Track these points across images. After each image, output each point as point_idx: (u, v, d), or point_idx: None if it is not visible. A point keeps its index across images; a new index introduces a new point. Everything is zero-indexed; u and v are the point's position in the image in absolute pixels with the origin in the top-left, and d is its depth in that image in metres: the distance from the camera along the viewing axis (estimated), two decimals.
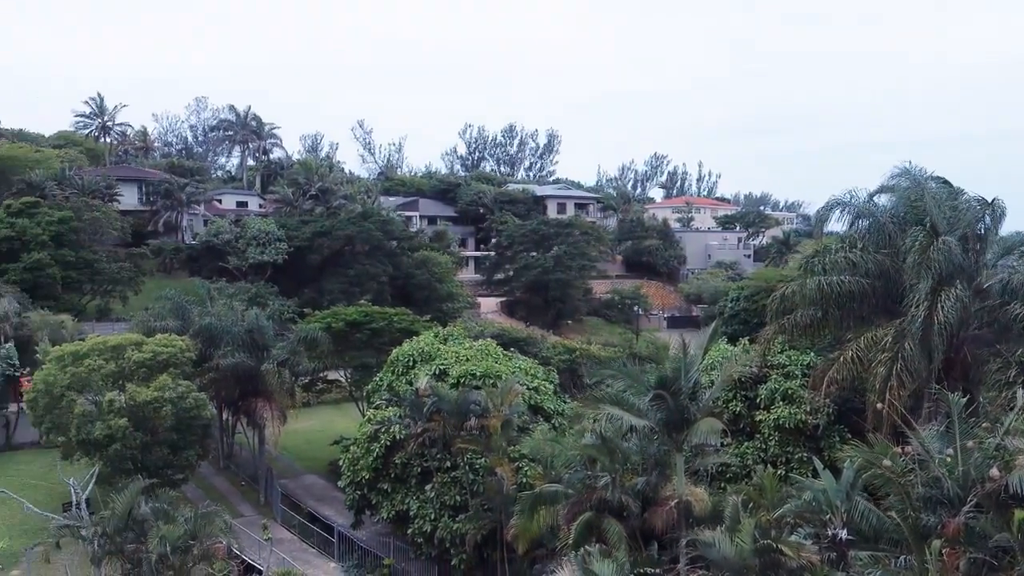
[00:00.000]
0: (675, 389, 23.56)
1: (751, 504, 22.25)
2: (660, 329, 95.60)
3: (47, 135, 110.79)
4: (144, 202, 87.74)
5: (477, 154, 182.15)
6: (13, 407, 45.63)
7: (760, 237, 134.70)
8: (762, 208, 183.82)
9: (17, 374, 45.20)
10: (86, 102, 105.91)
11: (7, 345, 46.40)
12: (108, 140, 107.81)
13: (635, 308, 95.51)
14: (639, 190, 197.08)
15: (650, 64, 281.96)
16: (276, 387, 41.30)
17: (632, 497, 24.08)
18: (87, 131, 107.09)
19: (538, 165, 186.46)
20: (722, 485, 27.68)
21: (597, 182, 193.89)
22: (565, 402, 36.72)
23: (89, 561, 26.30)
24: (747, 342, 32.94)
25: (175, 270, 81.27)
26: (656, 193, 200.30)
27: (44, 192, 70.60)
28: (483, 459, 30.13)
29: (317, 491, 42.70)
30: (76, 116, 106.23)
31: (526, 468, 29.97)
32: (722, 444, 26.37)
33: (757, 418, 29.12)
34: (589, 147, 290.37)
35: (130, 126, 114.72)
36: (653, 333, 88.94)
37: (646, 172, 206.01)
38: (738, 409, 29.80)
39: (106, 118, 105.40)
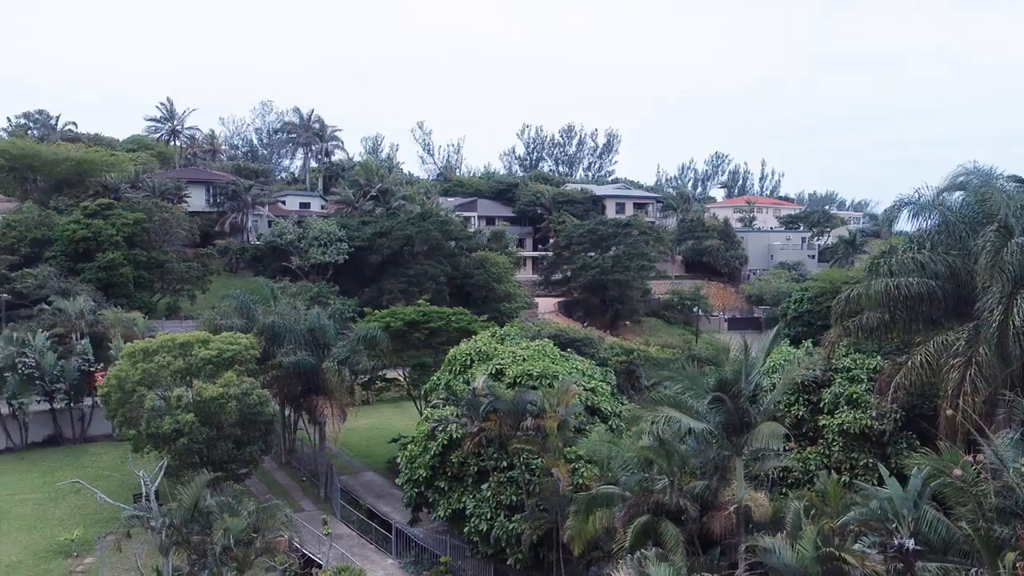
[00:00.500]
0: (735, 392, 23.19)
1: (813, 511, 21.71)
2: (720, 331, 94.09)
3: (121, 139, 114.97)
4: (211, 204, 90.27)
5: (535, 154, 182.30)
6: (88, 401, 47.41)
7: (825, 237, 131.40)
8: (827, 207, 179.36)
9: (92, 369, 47.03)
10: (157, 107, 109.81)
11: (83, 341, 48.30)
12: (178, 143, 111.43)
13: (695, 309, 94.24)
14: (699, 190, 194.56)
15: (711, 62, 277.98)
16: (336, 385, 42.03)
17: (690, 501, 23.77)
18: (158, 135, 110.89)
19: (597, 165, 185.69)
20: (783, 490, 27.11)
21: (656, 182, 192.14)
22: (622, 403, 36.41)
23: (158, 551, 27.13)
24: (810, 345, 32.19)
25: (240, 270, 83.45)
26: (717, 193, 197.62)
27: (118, 194, 73.32)
28: (539, 459, 30.10)
29: (376, 488, 43.27)
30: (148, 121, 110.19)
31: (582, 469, 29.86)
32: (784, 448, 25.82)
33: (820, 423, 28.42)
34: (648, 146, 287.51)
35: (198, 130, 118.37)
36: (713, 335, 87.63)
37: (706, 171, 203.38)
38: (800, 413, 29.13)
39: (176, 122, 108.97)
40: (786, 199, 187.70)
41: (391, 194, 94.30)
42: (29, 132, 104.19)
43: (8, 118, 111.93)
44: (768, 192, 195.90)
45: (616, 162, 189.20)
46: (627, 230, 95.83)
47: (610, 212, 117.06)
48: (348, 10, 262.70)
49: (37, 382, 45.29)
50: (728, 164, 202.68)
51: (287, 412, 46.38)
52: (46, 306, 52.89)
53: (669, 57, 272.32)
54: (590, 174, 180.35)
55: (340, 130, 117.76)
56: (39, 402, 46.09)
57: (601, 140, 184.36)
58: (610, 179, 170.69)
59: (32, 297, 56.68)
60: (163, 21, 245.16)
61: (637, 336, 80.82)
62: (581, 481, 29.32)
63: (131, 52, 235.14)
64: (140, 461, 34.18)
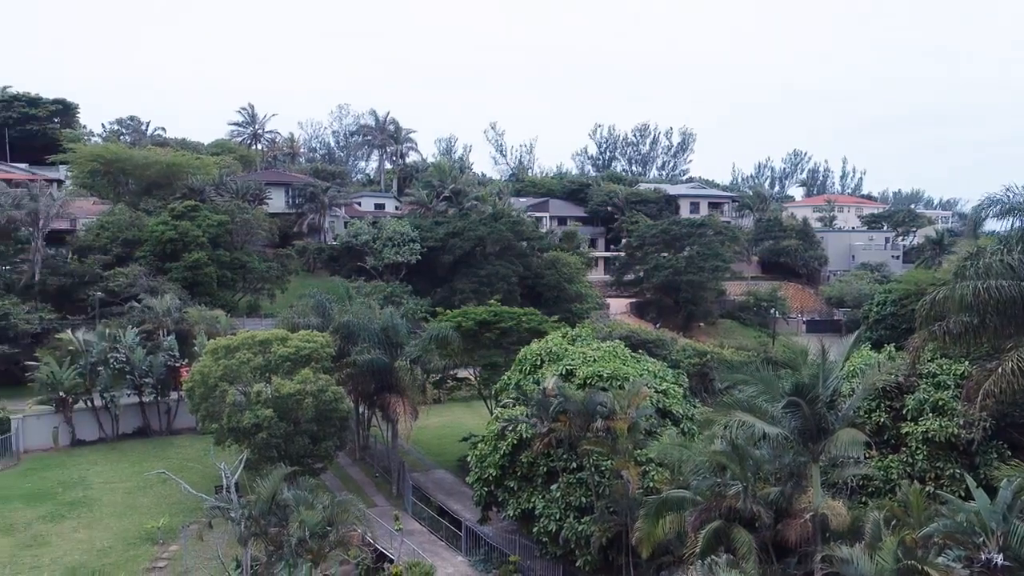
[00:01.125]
0: (812, 397, 22.55)
1: (894, 521, 20.95)
2: (798, 333, 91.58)
3: (206, 143, 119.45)
4: (290, 205, 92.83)
5: (608, 154, 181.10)
6: (174, 395, 49.37)
7: (911, 237, 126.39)
8: (913, 206, 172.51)
9: (178, 365, 48.96)
10: (239, 112, 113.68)
11: (169, 338, 50.33)
12: (259, 147, 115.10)
13: (771, 311, 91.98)
14: (777, 188, 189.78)
15: (790, 61, 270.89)
16: (408, 383, 42.68)
17: (764, 507, 23.23)
18: (240, 139, 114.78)
19: (671, 164, 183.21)
20: (863, 500, 26.24)
21: (732, 181, 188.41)
22: (695, 406, 35.83)
23: (237, 541, 28.04)
24: (893, 349, 31.01)
25: (317, 269, 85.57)
26: (796, 192, 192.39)
27: (203, 196, 76.19)
28: (609, 461, 29.90)
29: (446, 486, 43.74)
30: (231, 125, 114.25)
31: (653, 472, 29.53)
32: (864, 456, 24.97)
33: (903, 430, 27.34)
34: (724, 145, 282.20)
35: (278, 133, 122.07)
36: (790, 337, 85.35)
37: (784, 170, 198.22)
38: (882, 420, 28.10)
39: (257, 127, 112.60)
40: (869, 197, 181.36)
41: (464, 195, 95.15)
42: (122, 137, 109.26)
43: (103, 124, 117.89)
44: (849, 191, 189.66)
45: (691, 161, 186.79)
46: (701, 230, 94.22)
47: (684, 212, 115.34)
48: (424, 14, 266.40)
49: (127, 376, 47.43)
50: (807, 162, 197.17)
51: (361, 409, 47.30)
52: (136, 304, 55.36)
53: (747, 56, 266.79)
54: (664, 173, 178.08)
55: (414, 132, 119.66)
56: (129, 395, 48.26)
57: (676, 139, 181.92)
58: (684, 178, 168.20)
59: (123, 295, 59.40)
60: (248, 31, 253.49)
61: (711, 338, 79.35)
62: (651, 484, 29.01)
63: (216, 59, 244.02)
64: (221, 454, 35.37)
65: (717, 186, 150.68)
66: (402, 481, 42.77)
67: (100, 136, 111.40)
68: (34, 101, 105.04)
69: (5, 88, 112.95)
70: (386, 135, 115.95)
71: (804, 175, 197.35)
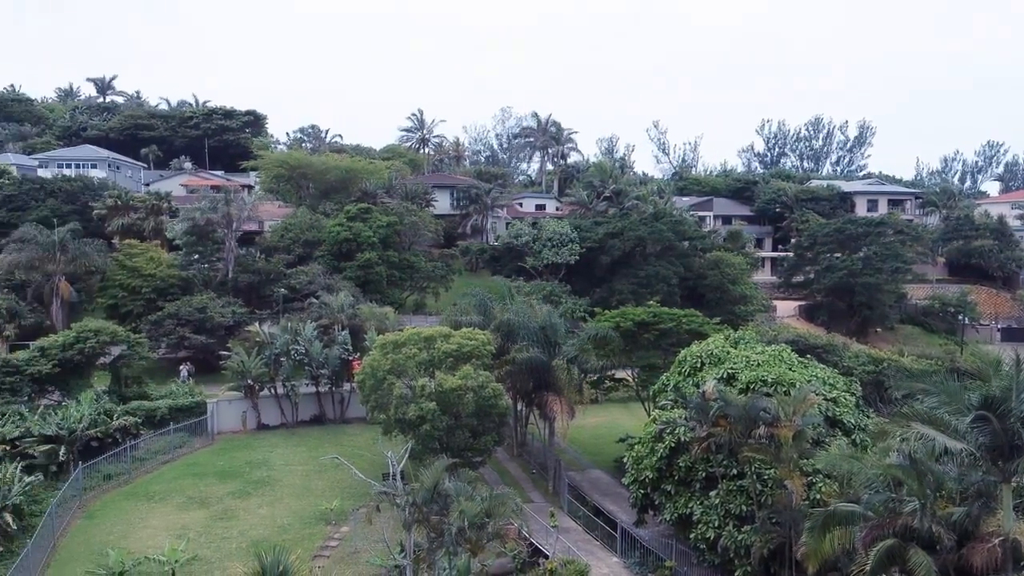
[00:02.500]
0: (1003, 411, 20.64)
1: None
2: (991, 341, 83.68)
3: (378, 148, 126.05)
4: (455, 207, 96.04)
5: (776, 150, 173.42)
6: (346, 386, 52.45)
7: None
8: None
9: (350, 358, 51.98)
10: (409, 118, 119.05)
11: (343, 332, 53.52)
12: (426, 151, 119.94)
13: (960, 317, 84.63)
14: (968, 184, 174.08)
15: (975, 49, 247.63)
16: (566, 382, 43.00)
17: (946, 528, 21.51)
18: (409, 143, 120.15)
19: (846, 159, 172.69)
20: None
21: (915, 176, 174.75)
22: (868, 416, 33.68)
23: (402, 526, 29.39)
24: None
25: (479, 269, 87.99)
26: (990, 187, 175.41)
27: (375, 199, 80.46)
28: (772, 470, 28.75)
29: (602, 486, 43.64)
30: (401, 131, 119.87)
31: (819, 483, 28.12)
32: None
33: None
34: (906, 138, 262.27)
35: (444, 138, 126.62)
36: (982, 346, 78.02)
37: (977, 163, 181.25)
38: None
39: (425, 131, 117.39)
40: None
41: (624, 195, 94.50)
42: (304, 145, 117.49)
43: (287, 133, 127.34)
44: None
45: (868, 156, 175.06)
46: (880, 229, 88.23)
47: (860, 210, 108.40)
48: (583, 16, 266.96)
49: (305, 367, 50.94)
50: (1003, 155, 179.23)
51: (519, 406, 48.15)
52: (314, 300, 59.46)
53: (927, 43, 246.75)
54: (838, 169, 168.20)
55: (576, 133, 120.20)
56: (307, 385, 51.79)
57: (852, 133, 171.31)
58: (861, 174, 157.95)
59: (303, 292, 63.95)
60: (414, 40, 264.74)
61: (888, 344, 74.15)
62: (818, 496, 27.64)
63: (389, 70, 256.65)
64: (388, 443, 37.15)
65: (898, 182, 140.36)
66: (558, 479, 43.12)
67: (285, 144, 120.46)
68: (229, 113, 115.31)
69: (205, 103, 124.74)
70: (548, 136, 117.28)
71: (1001, 169, 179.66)
